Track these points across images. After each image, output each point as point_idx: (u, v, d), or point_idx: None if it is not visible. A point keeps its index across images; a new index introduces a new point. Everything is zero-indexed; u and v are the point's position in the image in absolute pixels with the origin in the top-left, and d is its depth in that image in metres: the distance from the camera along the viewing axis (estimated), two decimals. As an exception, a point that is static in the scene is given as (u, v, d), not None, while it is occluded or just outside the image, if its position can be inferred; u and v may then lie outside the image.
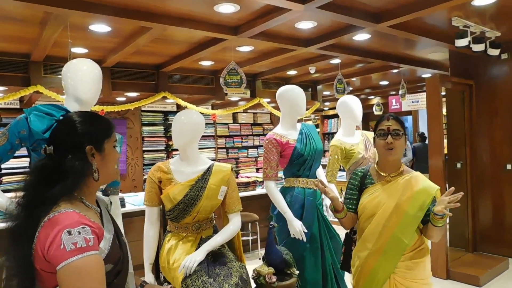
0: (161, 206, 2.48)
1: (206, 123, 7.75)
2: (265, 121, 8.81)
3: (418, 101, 7.43)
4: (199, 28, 3.71)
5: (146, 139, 7.24)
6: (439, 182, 3.59)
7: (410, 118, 10.08)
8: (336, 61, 5.58)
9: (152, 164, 7.19)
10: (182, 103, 5.97)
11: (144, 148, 7.22)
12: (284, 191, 2.86)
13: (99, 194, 1.40)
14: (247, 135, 8.50)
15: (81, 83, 1.89)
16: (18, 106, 5.92)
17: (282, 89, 2.95)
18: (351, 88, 8.39)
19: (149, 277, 2.36)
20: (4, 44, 4.22)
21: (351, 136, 3.34)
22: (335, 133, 3.92)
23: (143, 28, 3.74)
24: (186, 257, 2.21)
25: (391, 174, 2.04)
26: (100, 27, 3.75)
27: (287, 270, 2.43)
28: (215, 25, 3.79)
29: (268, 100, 7.11)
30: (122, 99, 6.27)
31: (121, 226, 2.16)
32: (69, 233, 1.09)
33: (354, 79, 7.16)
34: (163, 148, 7.43)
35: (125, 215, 3.51)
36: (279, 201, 2.75)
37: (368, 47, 5.04)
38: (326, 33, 4.25)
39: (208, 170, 2.41)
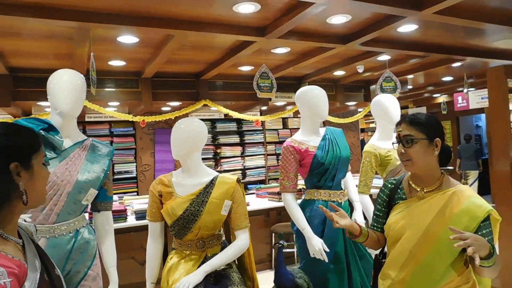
0: (163, 222, 2.32)
1: (255, 130, 7.71)
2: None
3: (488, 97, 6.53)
4: (222, 31, 3.55)
5: (194, 147, 7.26)
6: (505, 192, 3.02)
7: (483, 116, 9.01)
8: (384, 57, 5.09)
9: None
10: (224, 110, 5.86)
11: (192, 157, 7.23)
12: (304, 204, 2.56)
13: (21, 221, 1.18)
14: (298, 141, 8.16)
15: (59, 94, 1.80)
16: (72, 120, 6.26)
17: (300, 91, 2.66)
18: (410, 87, 7.69)
19: (151, 297, 2.20)
20: (47, 61, 4.42)
21: (388, 140, 2.91)
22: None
23: (168, 36, 3.68)
24: (182, 279, 2.01)
25: (425, 189, 1.63)
26: (127, 38, 3.76)
27: (301, 296, 2.13)
28: (239, 27, 3.61)
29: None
30: (167, 108, 6.34)
31: (113, 244, 2.03)
32: None
33: (410, 76, 6.53)
34: (211, 156, 7.41)
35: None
36: (297, 215, 2.46)
37: (418, 39, 4.50)
38: (364, 27, 3.85)
39: (211, 183, 2.20)
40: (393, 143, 1.71)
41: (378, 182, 3.57)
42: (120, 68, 4.93)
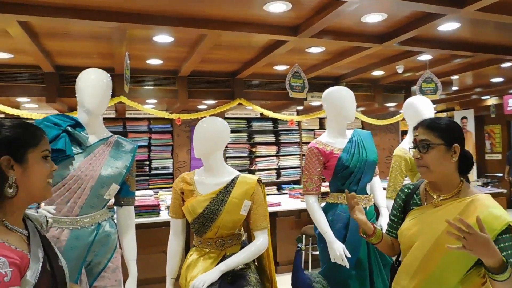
0: (185, 219, 2.35)
1: (291, 130, 7.66)
2: (357, 126, 8.21)
3: (543, 100, 6.09)
4: (254, 31, 3.55)
5: (229, 145, 7.34)
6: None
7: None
8: (424, 57, 4.87)
9: (236, 171, 7.37)
10: (258, 109, 5.87)
11: (227, 155, 7.32)
12: (327, 207, 2.50)
13: (31, 212, 1.25)
14: (335, 142, 8.02)
15: (86, 92, 1.89)
16: (114, 116, 6.54)
17: (327, 91, 2.60)
18: (455, 88, 7.30)
19: (170, 292, 2.24)
20: (91, 60, 4.64)
21: (421, 145, 2.78)
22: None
23: (202, 36, 3.74)
24: (198, 276, 2.04)
25: (442, 196, 1.55)
26: (163, 38, 3.87)
27: (318, 301, 2.09)
28: (271, 26, 3.59)
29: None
30: (203, 107, 6.45)
31: (133, 238, 2.09)
32: None
33: (455, 77, 6.19)
34: (246, 154, 7.45)
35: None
36: (319, 219, 2.40)
37: (462, 38, 4.26)
38: (401, 26, 3.71)
39: (232, 182, 2.20)
40: (409, 148, 1.62)
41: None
42: (158, 67, 5.08)
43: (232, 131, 7.41)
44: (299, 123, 7.68)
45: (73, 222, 1.82)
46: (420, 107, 2.74)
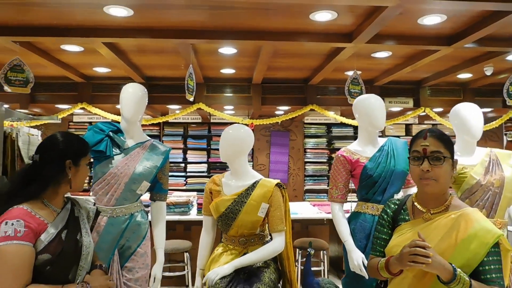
0: (214, 216, 2.59)
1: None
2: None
3: None
4: (308, 39, 3.65)
5: (308, 150, 7.42)
6: None
7: None
8: (513, 57, 4.33)
9: (314, 176, 7.41)
10: (330, 115, 5.86)
11: (306, 160, 7.41)
12: (352, 216, 2.49)
13: (87, 204, 1.68)
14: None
15: (124, 103, 2.25)
16: (199, 121, 7.15)
17: (357, 99, 2.58)
18: None
19: (198, 281, 2.49)
20: (173, 71, 5.23)
21: (469, 156, 2.56)
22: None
23: (259, 47, 3.96)
24: (213, 268, 2.25)
25: (432, 210, 1.50)
26: (227, 50, 4.20)
27: (325, 306, 2.13)
28: (321, 34, 3.65)
29: (441, 109, 6.12)
30: (280, 112, 6.66)
31: (163, 229, 2.39)
32: (6, 223, 1.38)
33: None
34: (325, 160, 7.43)
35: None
36: (341, 227, 2.41)
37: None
38: (468, 26, 3.41)
39: (253, 185, 2.36)
40: (412, 158, 1.56)
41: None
42: (232, 75, 5.46)
43: (311, 137, 7.48)
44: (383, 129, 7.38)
45: (110, 211, 2.19)
46: (466, 115, 2.52)
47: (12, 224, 1.37)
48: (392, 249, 1.55)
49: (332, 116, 5.88)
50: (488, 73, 4.90)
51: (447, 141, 1.49)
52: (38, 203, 1.49)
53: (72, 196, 1.70)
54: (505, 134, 7.58)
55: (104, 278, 1.57)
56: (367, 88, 5.81)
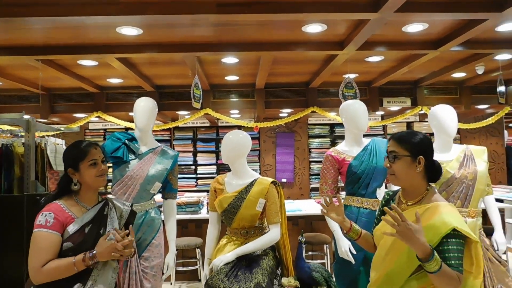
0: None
1: (376, 134, 7.64)
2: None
3: None
4: (305, 49, 3.96)
5: (313, 150, 7.71)
6: None
7: None
8: (501, 57, 4.56)
9: (319, 174, 7.67)
10: (330, 116, 6.15)
11: (310, 159, 7.70)
12: (340, 208, 2.79)
13: (122, 204, 1.91)
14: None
15: (136, 115, 2.60)
16: (208, 124, 7.51)
17: (342, 104, 2.89)
18: None
19: (206, 268, 2.81)
20: (181, 80, 5.59)
21: (446, 152, 2.84)
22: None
23: (259, 56, 4.29)
24: (218, 257, 2.57)
25: (409, 202, 1.79)
26: (229, 59, 4.54)
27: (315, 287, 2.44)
28: (314, 43, 3.95)
29: (439, 107, 6.35)
30: (284, 114, 6.97)
31: (174, 223, 2.74)
32: (42, 214, 1.70)
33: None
34: (329, 159, 7.69)
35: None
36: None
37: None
38: (451, 31, 3.68)
39: (251, 184, 2.69)
40: (385, 157, 1.88)
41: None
42: (236, 82, 5.80)
43: (316, 137, 7.77)
44: (384, 127, 7.65)
45: (128, 209, 2.55)
46: (443, 116, 2.81)
47: (45, 215, 1.69)
48: (375, 232, 1.88)
49: (333, 117, 6.16)
50: (480, 72, 5.14)
51: (406, 142, 1.73)
52: (71, 200, 1.81)
53: (111, 197, 1.98)
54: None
55: (107, 242, 1.72)
56: (365, 89, 6.12)
